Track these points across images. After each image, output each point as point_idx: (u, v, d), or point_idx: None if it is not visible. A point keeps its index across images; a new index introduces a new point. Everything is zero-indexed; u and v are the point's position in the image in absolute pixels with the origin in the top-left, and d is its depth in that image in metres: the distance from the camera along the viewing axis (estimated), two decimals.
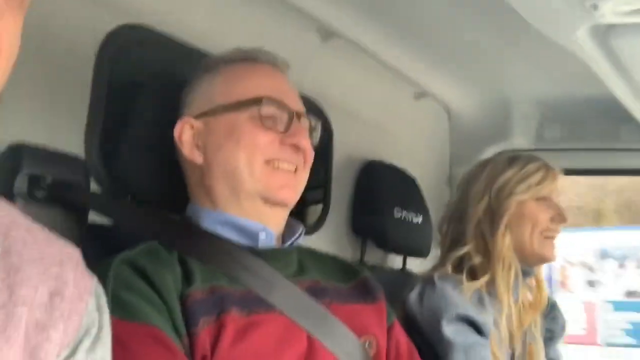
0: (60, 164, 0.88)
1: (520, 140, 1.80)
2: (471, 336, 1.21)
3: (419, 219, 1.57)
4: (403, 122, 1.73)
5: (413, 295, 1.26)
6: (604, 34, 1.02)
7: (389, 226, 1.53)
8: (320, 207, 1.38)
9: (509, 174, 1.34)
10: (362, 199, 1.52)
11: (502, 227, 1.30)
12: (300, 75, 1.31)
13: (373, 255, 1.57)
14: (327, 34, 1.38)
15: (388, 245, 1.58)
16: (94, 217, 0.92)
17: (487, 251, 1.31)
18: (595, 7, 0.90)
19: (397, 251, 1.62)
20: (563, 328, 1.49)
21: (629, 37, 1.03)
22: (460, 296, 1.24)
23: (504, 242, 1.30)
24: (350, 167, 1.53)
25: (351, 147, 1.52)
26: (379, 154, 1.60)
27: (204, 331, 0.77)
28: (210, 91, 0.92)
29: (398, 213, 1.53)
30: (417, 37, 1.43)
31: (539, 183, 1.32)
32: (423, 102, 1.74)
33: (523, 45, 1.39)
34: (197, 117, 0.91)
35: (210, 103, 0.91)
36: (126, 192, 0.96)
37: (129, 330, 0.73)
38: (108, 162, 0.96)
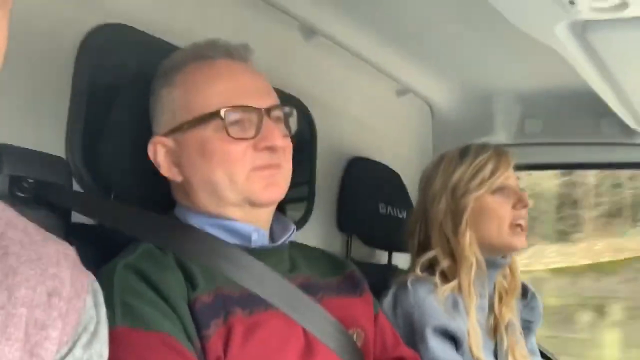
0: (42, 164, 0.87)
1: (502, 135, 1.82)
2: (448, 353, 1.18)
3: (403, 215, 1.59)
4: (386, 118, 1.74)
5: (387, 301, 1.22)
6: (582, 29, 1.03)
7: (374, 222, 1.54)
8: (305, 203, 1.39)
9: (461, 170, 1.30)
10: (347, 195, 1.53)
11: (462, 226, 1.27)
12: (283, 74, 1.31)
13: (359, 251, 1.58)
14: (309, 32, 1.39)
15: (373, 241, 1.60)
16: (77, 217, 0.92)
17: (452, 253, 1.27)
18: (572, 3, 0.91)
19: (383, 247, 1.63)
20: (540, 319, 1.47)
21: (606, 32, 1.04)
22: (433, 304, 1.20)
23: (465, 242, 1.26)
24: (335, 163, 1.53)
25: (335, 144, 1.52)
26: (363, 150, 1.61)
27: (215, 334, 0.78)
28: (171, 106, 0.89)
29: (383, 209, 1.54)
30: (398, 34, 1.44)
31: (491, 175, 1.28)
32: (405, 98, 1.75)
33: (504, 40, 1.40)
34: (166, 135, 0.89)
35: (174, 120, 0.88)
36: (109, 191, 0.96)
37: (141, 338, 0.73)
38: (90, 161, 0.95)
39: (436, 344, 1.17)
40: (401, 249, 1.61)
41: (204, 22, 1.19)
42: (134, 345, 0.71)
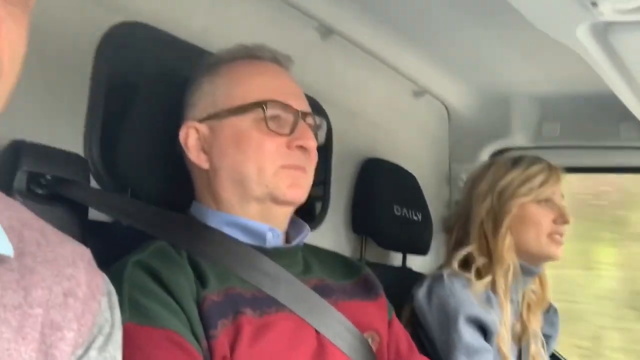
0: (60, 161, 0.88)
1: (519, 138, 1.80)
2: (478, 340, 1.22)
3: (418, 217, 1.58)
4: (402, 119, 1.73)
5: (421, 291, 1.27)
6: (604, 31, 1.02)
7: (388, 223, 1.53)
8: (320, 204, 1.39)
9: (511, 175, 1.35)
10: (361, 196, 1.52)
11: (503, 229, 1.32)
12: (299, 73, 1.30)
13: (373, 253, 1.57)
14: (326, 32, 1.38)
15: (388, 243, 1.59)
16: (93, 214, 0.92)
17: (489, 252, 1.32)
18: (594, 4, 0.90)
19: (397, 249, 1.62)
20: (556, 336, 1.51)
21: (628, 34, 1.03)
22: (469, 296, 1.25)
23: (504, 244, 1.31)
24: (350, 164, 1.53)
25: (351, 144, 1.52)
26: (379, 151, 1.60)
27: (222, 333, 0.78)
28: (212, 94, 0.91)
29: (397, 210, 1.53)
30: (416, 35, 1.44)
31: (541, 185, 1.34)
32: (422, 100, 1.74)
33: (522, 43, 1.39)
34: (201, 120, 0.90)
35: (214, 106, 0.90)
36: (125, 189, 0.96)
37: (148, 335, 0.73)
38: (107, 159, 0.96)
39: (467, 331, 1.21)
40: (416, 250, 1.61)
41: (222, 21, 1.19)
42: (142, 342, 0.72)
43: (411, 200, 1.60)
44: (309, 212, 1.36)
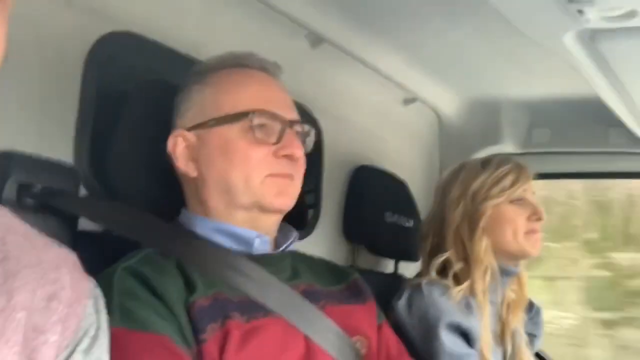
0: (50, 171, 0.88)
1: (509, 144, 1.81)
2: (460, 347, 1.22)
3: (410, 223, 1.58)
4: (393, 126, 1.74)
5: (401, 303, 1.26)
6: (591, 38, 1.03)
7: (380, 230, 1.53)
8: (311, 212, 1.39)
9: (482, 178, 1.35)
10: (353, 203, 1.53)
11: (479, 231, 1.32)
12: (290, 81, 1.31)
13: (364, 260, 1.57)
14: (316, 40, 1.39)
15: (379, 250, 1.59)
16: (84, 224, 0.92)
17: (466, 256, 1.32)
18: (581, 12, 0.91)
19: (389, 255, 1.62)
20: (542, 333, 1.51)
21: (615, 41, 1.04)
22: (448, 303, 1.24)
23: (481, 246, 1.31)
24: (341, 172, 1.53)
25: (342, 152, 1.52)
26: (370, 158, 1.61)
27: (211, 338, 0.78)
28: (201, 102, 0.91)
29: (389, 217, 1.54)
30: (406, 42, 1.44)
31: (512, 185, 1.34)
32: (412, 106, 1.75)
33: (511, 49, 1.40)
34: (189, 129, 0.90)
35: (202, 115, 0.90)
36: (116, 198, 0.96)
37: (139, 339, 0.73)
38: (97, 169, 0.95)
39: (449, 339, 1.21)
40: (407, 257, 1.61)
41: (212, 29, 1.19)
42: (132, 346, 0.71)
43: (402, 207, 1.60)
44: (300, 220, 1.35)
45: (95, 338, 0.58)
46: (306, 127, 0.96)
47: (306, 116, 1.34)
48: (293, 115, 0.93)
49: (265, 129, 0.89)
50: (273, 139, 0.88)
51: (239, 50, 0.95)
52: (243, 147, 0.87)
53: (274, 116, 0.89)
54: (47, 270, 0.56)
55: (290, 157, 0.89)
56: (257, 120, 0.88)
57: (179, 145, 0.90)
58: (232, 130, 0.88)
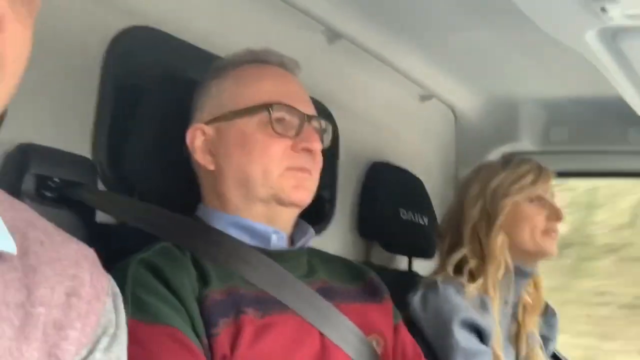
0: (68, 164, 0.88)
1: (526, 142, 1.79)
2: (475, 343, 1.22)
3: (424, 221, 1.57)
4: (409, 123, 1.73)
5: (416, 299, 1.26)
6: (613, 36, 1.02)
7: (394, 227, 1.52)
8: (326, 208, 1.38)
9: (502, 176, 1.35)
10: (368, 200, 1.52)
11: (496, 228, 1.32)
12: (306, 77, 1.30)
13: (379, 256, 1.56)
14: (333, 35, 1.38)
15: (394, 247, 1.58)
16: (101, 217, 0.93)
17: (482, 253, 1.32)
18: (603, 10, 0.90)
19: (403, 252, 1.62)
20: (557, 337, 1.50)
21: (637, 39, 1.02)
22: (463, 300, 1.24)
23: (497, 243, 1.31)
24: (356, 168, 1.53)
25: (357, 148, 1.52)
26: (385, 155, 1.60)
27: (223, 332, 0.78)
28: (219, 96, 0.92)
29: (404, 214, 1.53)
30: (423, 39, 1.43)
31: (532, 183, 1.34)
32: (429, 103, 1.74)
33: (530, 46, 1.39)
34: (208, 122, 0.91)
35: (221, 108, 0.90)
36: (133, 192, 0.97)
37: (150, 332, 0.73)
38: (115, 162, 0.96)
39: (462, 336, 1.21)
40: (421, 255, 1.61)
41: (228, 25, 1.19)
42: (144, 338, 0.71)
43: (417, 204, 1.59)
44: (315, 215, 1.35)
45: (114, 337, 0.58)
46: (323, 124, 0.95)
47: (322, 112, 1.34)
48: (311, 110, 0.93)
49: (283, 123, 0.89)
50: (292, 133, 0.88)
51: (258, 47, 0.95)
52: (262, 140, 0.87)
53: (292, 110, 0.89)
54: (66, 267, 0.56)
55: (309, 151, 0.89)
56: (276, 114, 0.88)
57: (197, 139, 0.90)
58: (251, 123, 0.88)
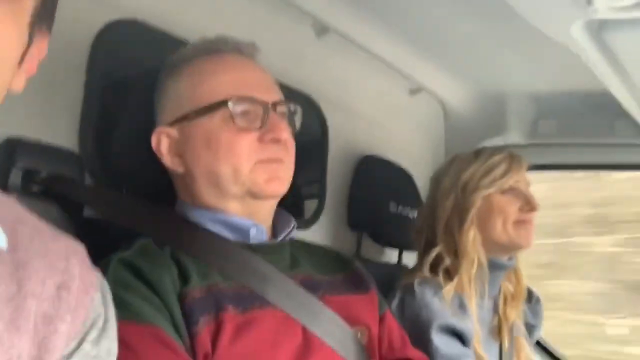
0: (55, 158, 0.88)
1: (515, 135, 1.80)
2: (456, 347, 1.19)
3: (414, 213, 1.58)
4: (398, 117, 1.73)
5: (394, 306, 1.22)
6: (598, 29, 1.02)
7: (384, 220, 1.53)
8: (315, 201, 1.39)
9: (473, 168, 1.31)
10: (357, 193, 1.53)
11: (467, 223, 1.28)
12: (295, 71, 1.31)
13: (369, 250, 1.57)
14: (321, 29, 1.38)
15: (384, 240, 1.59)
16: (88, 210, 0.92)
17: (456, 250, 1.28)
18: (589, 2, 0.90)
19: (393, 245, 1.63)
20: (542, 323, 1.48)
21: (623, 32, 1.03)
22: (440, 303, 1.21)
23: (469, 239, 1.27)
24: (346, 161, 1.53)
25: (347, 142, 1.52)
26: (375, 148, 1.60)
27: (204, 330, 0.77)
28: (177, 96, 0.89)
29: (394, 207, 1.54)
30: (411, 32, 1.44)
31: (503, 175, 1.30)
32: (418, 96, 1.74)
33: (518, 39, 1.39)
34: (170, 125, 0.89)
35: (180, 109, 0.88)
36: (120, 186, 0.96)
37: (132, 331, 0.73)
38: (102, 156, 0.96)
39: (441, 341, 1.18)
40: (411, 247, 1.61)
41: (217, 18, 1.19)
42: (125, 338, 0.70)
43: (407, 197, 1.60)
44: (304, 209, 1.36)
45: (103, 330, 0.59)
46: (292, 107, 0.92)
47: (311, 106, 1.34)
48: (275, 96, 0.89)
49: (247, 116, 0.86)
50: (257, 124, 0.86)
51: (212, 35, 0.92)
52: (227, 138, 0.85)
53: (254, 101, 0.86)
54: (56, 261, 0.57)
55: (276, 141, 0.86)
56: (236, 108, 0.85)
57: (162, 143, 0.88)
58: (214, 121, 0.85)
